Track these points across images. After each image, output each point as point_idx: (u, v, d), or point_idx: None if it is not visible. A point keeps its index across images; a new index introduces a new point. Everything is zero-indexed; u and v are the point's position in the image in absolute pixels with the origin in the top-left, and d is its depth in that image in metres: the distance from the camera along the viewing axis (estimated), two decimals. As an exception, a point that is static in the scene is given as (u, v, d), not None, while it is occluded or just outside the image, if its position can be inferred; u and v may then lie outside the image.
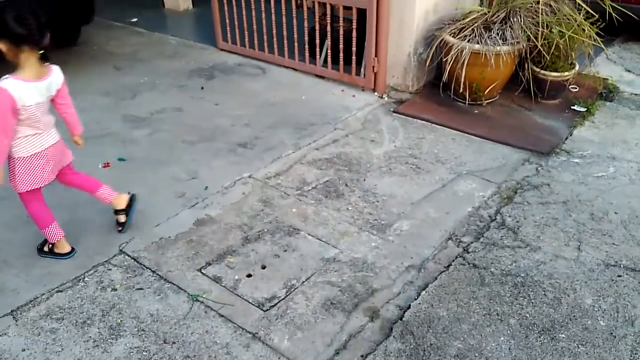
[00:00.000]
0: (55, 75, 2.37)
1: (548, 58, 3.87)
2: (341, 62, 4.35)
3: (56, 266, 2.54)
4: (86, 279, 2.47)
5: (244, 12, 4.77)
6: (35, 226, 2.79)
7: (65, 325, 2.23)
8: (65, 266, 2.54)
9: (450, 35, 3.92)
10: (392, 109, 4.04)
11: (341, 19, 4.24)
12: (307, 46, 4.54)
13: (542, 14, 3.84)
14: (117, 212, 2.73)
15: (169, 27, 5.97)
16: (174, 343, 2.15)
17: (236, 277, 2.49)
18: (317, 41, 4.49)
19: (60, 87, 2.41)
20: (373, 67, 4.17)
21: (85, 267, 2.53)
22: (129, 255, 2.61)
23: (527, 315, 2.28)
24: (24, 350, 2.13)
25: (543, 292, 2.39)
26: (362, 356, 2.10)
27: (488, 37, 3.80)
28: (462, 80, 3.82)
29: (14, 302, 2.34)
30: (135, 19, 6.18)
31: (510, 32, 3.82)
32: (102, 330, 2.21)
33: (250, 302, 2.35)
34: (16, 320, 2.26)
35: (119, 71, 4.79)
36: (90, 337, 2.18)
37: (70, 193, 3.09)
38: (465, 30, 3.89)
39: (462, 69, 3.78)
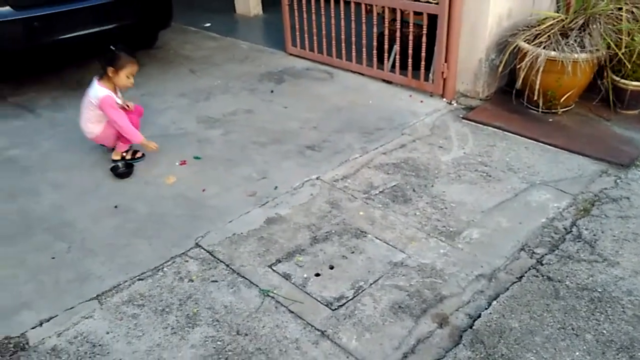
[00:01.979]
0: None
1: (629, 67, 3.71)
2: (409, 68, 4.34)
3: (137, 256, 2.69)
4: (165, 269, 2.60)
5: (313, 18, 4.86)
6: (116, 218, 2.99)
7: (145, 312, 2.36)
8: (146, 256, 2.69)
9: (525, 41, 3.83)
10: (461, 116, 4.00)
11: (411, 24, 4.24)
12: (375, 51, 4.57)
13: (624, 21, 3.69)
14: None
15: (240, 32, 6.17)
16: (247, 335, 2.23)
17: (305, 276, 2.55)
18: (386, 46, 4.51)
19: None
20: (442, 72, 4.14)
21: (164, 258, 2.67)
22: (204, 249, 2.72)
23: (604, 331, 2.20)
24: (108, 333, 2.27)
25: (622, 309, 2.30)
26: (431, 361, 2.10)
27: (565, 44, 3.69)
28: (537, 87, 3.73)
29: (99, 288, 2.50)
30: (208, 24, 6.43)
31: (589, 39, 3.68)
32: (179, 318, 2.32)
33: (318, 301, 2.40)
34: (101, 305, 2.41)
35: (194, 74, 5.00)
36: (168, 324, 2.30)
37: (151, 188, 3.27)
38: (541, 37, 3.79)
39: (537, 76, 3.69)
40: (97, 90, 3.23)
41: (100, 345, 2.21)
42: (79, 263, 2.67)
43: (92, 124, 3.36)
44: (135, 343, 2.21)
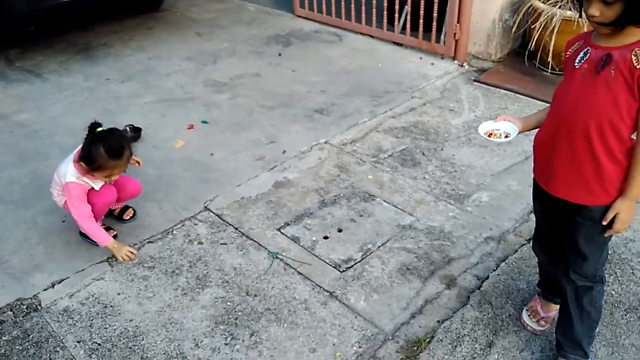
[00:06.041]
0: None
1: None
2: (420, 29, 4.24)
3: (147, 219, 2.71)
4: (174, 232, 2.62)
5: (322, -22, 4.74)
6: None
7: (156, 274, 2.39)
8: (155, 219, 2.70)
9: (539, 0, 3.71)
10: (472, 78, 3.92)
11: (423, -16, 4.13)
12: (385, 12, 4.46)
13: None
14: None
15: (247, -6, 6.04)
16: (256, 296, 2.26)
17: (313, 238, 2.55)
18: (397, 7, 4.40)
19: None
20: (454, 34, 4.05)
21: (174, 221, 2.68)
22: (213, 212, 2.73)
23: (613, 292, 2.20)
24: (119, 294, 2.30)
25: (631, 270, 2.29)
26: (438, 321, 2.11)
27: (581, 3, 3.57)
28: (551, 48, 3.63)
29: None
30: (214, -14, 6.29)
31: (607, -3, 3.56)
32: (189, 280, 2.35)
33: (327, 263, 2.41)
34: (111, 267, 2.44)
35: (200, 37, 4.93)
36: (179, 285, 2.32)
37: (160, 152, 3.27)
38: (556, -4, 3.68)
39: (551, 36, 3.59)
40: (68, 169, 2.40)
41: (111, 306, 2.24)
42: (90, 226, 2.68)
43: (58, 196, 2.54)
44: (146, 304, 2.25)
